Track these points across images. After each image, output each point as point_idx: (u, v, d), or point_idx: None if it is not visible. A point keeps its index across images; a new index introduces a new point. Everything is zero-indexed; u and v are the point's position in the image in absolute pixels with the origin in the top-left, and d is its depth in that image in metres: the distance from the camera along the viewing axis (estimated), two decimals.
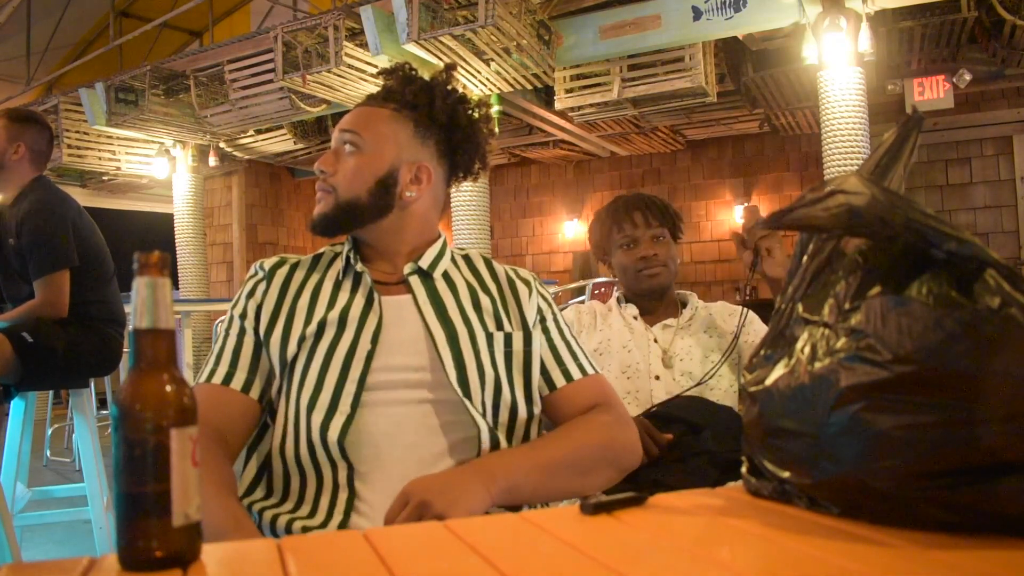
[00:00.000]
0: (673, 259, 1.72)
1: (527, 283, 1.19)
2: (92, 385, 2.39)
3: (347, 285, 1.13)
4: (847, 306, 0.60)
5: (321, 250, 1.20)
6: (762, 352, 0.70)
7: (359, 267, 1.13)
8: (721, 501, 0.70)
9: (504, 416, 1.09)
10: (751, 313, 1.64)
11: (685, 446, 1.39)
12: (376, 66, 4.58)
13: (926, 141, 6.47)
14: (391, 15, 4.67)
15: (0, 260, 2.28)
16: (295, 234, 9.17)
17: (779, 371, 0.65)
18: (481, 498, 0.93)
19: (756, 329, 1.64)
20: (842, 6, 4.31)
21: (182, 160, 7.31)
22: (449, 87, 1.18)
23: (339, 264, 1.16)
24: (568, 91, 5.34)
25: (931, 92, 5.60)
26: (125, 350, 2.42)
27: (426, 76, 1.20)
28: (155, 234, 8.81)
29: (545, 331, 1.17)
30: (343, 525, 0.99)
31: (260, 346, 1.10)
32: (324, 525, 0.99)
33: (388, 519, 0.91)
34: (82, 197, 6.00)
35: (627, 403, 1.56)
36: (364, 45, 4.85)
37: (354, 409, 1.02)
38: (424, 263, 1.15)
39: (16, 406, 2.24)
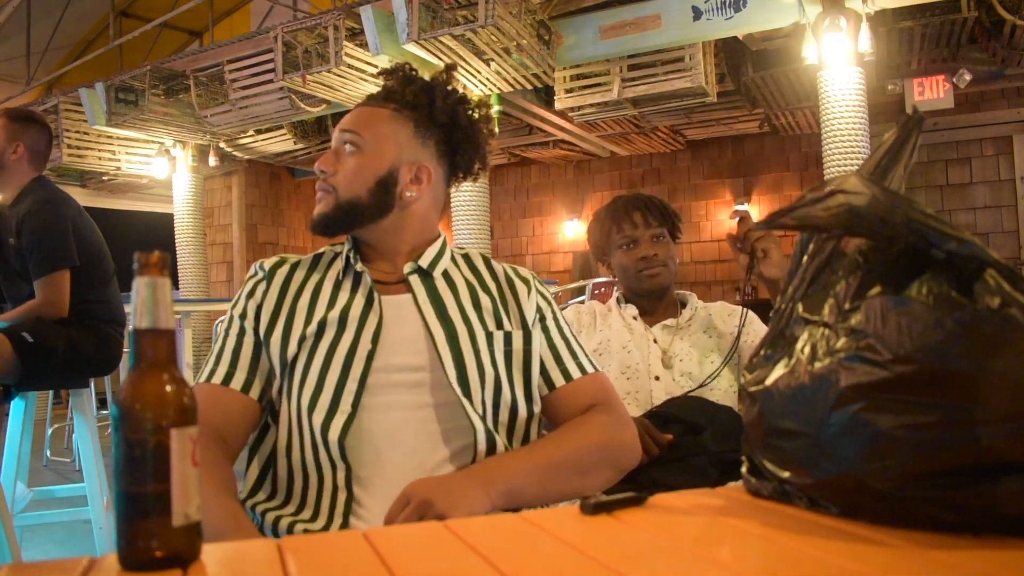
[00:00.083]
0: (673, 259, 1.72)
1: (526, 282, 1.19)
2: (92, 385, 2.39)
3: (347, 285, 1.13)
4: (847, 306, 0.60)
5: (321, 250, 1.20)
6: (762, 352, 0.70)
7: (359, 267, 1.13)
8: (721, 501, 0.70)
9: (504, 415, 1.09)
10: (751, 313, 1.64)
11: (685, 446, 1.39)
12: (376, 66, 4.58)
13: (926, 141, 6.47)
14: (391, 15, 4.67)
15: (0, 260, 2.28)
16: (295, 234, 9.17)
17: (779, 371, 0.65)
18: (481, 502, 0.93)
19: (756, 329, 1.64)
20: (842, 6, 4.31)
21: (182, 160, 7.31)
22: (449, 87, 1.18)
23: (339, 264, 1.16)
24: (568, 91, 5.34)
25: (931, 92, 5.60)
26: (125, 350, 2.42)
27: (426, 76, 1.20)
28: (155, 234, 8.80)
29: (545, 330, 1.17)
30: (343, 528, 0.99)
31: (260, 346, 1.10)
32: (325, 529, 0.99)
33: (389, 519, 0.91)
34: (82, 197, 6.00)
35: (627, 404, 1.56)
36: (364, 45, 4.85)
37: (355, 408, 1.03)
38: (424, 262, 1.15)
39: (16, 406, 2.24)
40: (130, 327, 0.59)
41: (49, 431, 4.87)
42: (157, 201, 8.80)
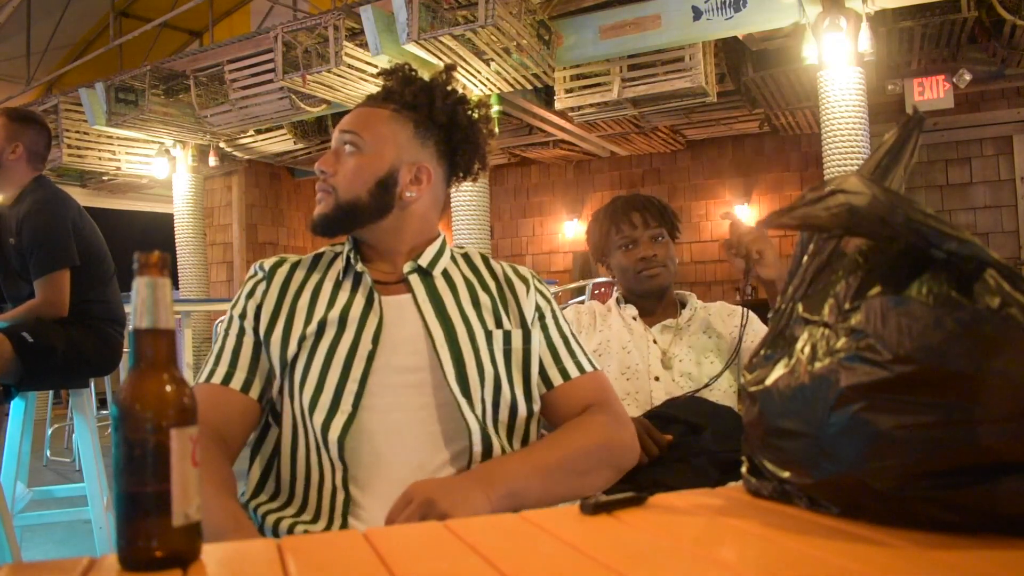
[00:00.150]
0: (672, 259, 1.72)
1: (525, 280, 1.20)
2: (92, 385, 2.39)
3: (347, 285, 1.13)
4: (847, 306, 0.60)
5: (321, 250, 1.20)
6: (762, 352, 0.70)
7: (359, 267, 1.13)
8: (721, 501, 0.70)
9: (504, 414, 1.09)
10: (751, 313, 1.63)
11: (685, 446, 1.39)
12: (376, 66, 4.58)
13: (926, 141, 6.47)
14: (391, 15, 4.67)
15: (0, 260, 2.28)
16: (295, 234, 9.17)
17: (779, 371, 0.65)
18: (482, 504, 0.93)
19: (756, 329, 1.64)
20: (842, 6, 4.31)
21: (182, 160, 7.31)
22: (449, 88, 1.18)
23: (339, 264, 1.16)
24: (568, 91, 5.34)
25: (931, 92, 5.60)
26: (125, 350, 2.42)
27: (426, 77, 1.20)
28: (155, 234, 8.80)
29: (544, 328, 1.17)
30: (342, 529, 0.99)
31: (259, 346, 1.10)
32: (326, 530, 0.99)
33: (391, 519, 0.91)
34: (82, 197, 6.00)
35: (627, 404, 1.56)
36: (364, 45, 4.85)
37: (355, 408, 1.03)
38: (423, 261, 1.15)
39: (16, 406, 2.24)
40: (130, 327, 0.59)
41: (49, 431, 4.87)
42: (157, 201, 8.80)
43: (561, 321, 1.20)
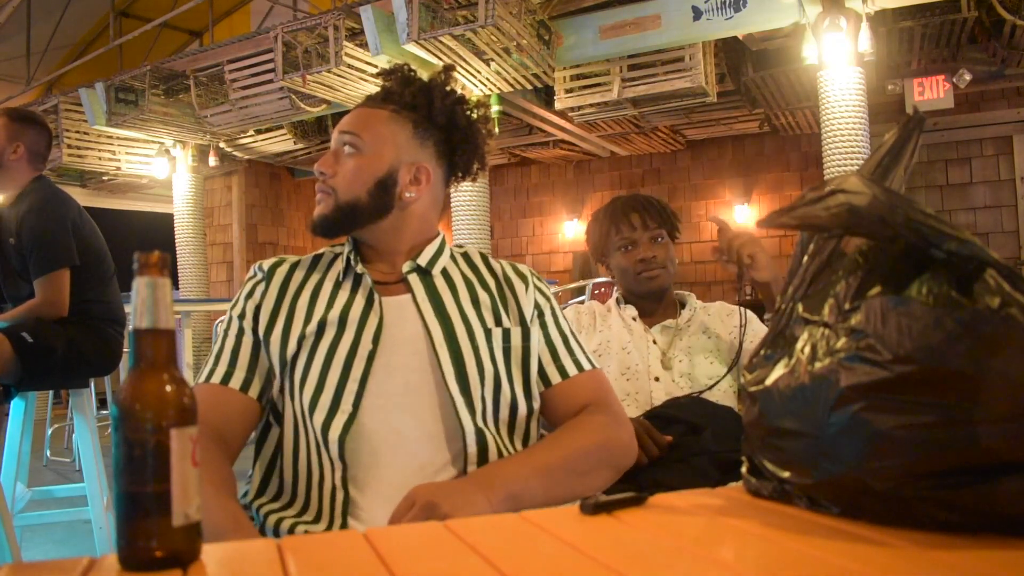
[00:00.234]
0: (672, 260, 1.71)
1: (524, 278, 1.20)
2: (92, 385, 2.39)
3: (347, 286, 1.13)
4: (847, 306, 0.60)
5: (321, 251, 1.20)
6: (762, 352, 0.70)
7: (359, 268, 1.13)
8: (721, 501, 0.69)
9: (504, 412, 1.09)
10: (750, 314, 1.64)
11: (685, 446, 1.39)
12: (376, 66, 4.58)
13: (926, 141, 6.47)
14: (391, 15, 4.67)
15: (0, 260, 2.28)
16: (295, 234, 9.17)
17: (779, 371, 0.65)
18: (483, 507, 0.93)
19: (755, 329, 1.64)
20: (842, 6, 4.31)
21: (182, 160, 7.31)
22: (448, 88, 1.18)
23: (339, 265, 1.16)
24: (568, 91, 5.34)
25: (931, 92, 5.60)
26: (125, 350, 2.42)
27: (425, 77, 1.20)
28: (155, 234, 8.81)
29: (543, 326, 1.17)
30: (342, 529, 0.99)
31: (259, 345, 1.10)
32: (327, 531, 0.99)
33: (394, 521, 0.91)
34: (82, 197, 6.01)
35: (627, 405, 1.56)
36: (364, 45, 4.85)
37: (356, 408, 1.03)
38: (422, 260, 1.15)
39: (16, 406, 2.24)
40: (130, 327, 0.59)
41: (49, 431, 4.87)
42: (157, 201, 8.80)
43: (560, 319, 1.20)
